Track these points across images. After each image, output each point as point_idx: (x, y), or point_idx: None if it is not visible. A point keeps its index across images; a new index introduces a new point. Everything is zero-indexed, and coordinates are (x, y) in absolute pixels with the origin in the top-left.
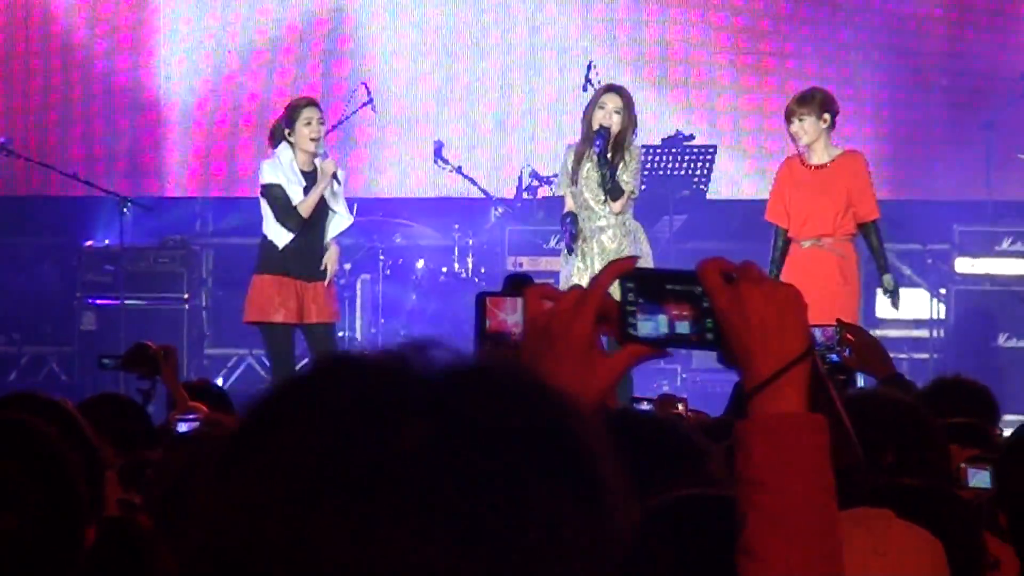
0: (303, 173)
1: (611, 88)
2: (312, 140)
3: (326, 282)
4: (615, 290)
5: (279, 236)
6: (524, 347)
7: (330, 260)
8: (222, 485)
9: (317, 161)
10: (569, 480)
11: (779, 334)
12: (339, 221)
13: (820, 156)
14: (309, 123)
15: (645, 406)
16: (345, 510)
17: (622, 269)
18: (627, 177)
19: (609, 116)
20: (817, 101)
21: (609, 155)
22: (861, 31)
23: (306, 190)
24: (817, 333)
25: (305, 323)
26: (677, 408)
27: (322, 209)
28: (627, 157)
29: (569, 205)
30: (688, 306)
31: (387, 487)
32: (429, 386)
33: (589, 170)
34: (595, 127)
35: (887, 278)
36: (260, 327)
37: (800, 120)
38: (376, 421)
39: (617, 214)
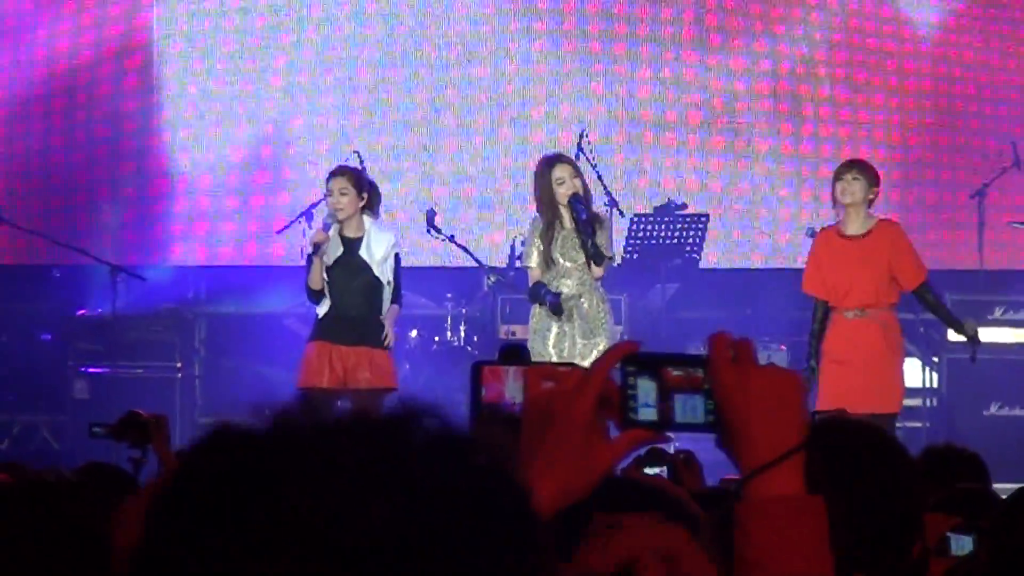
0: (344, 239)
1: (556, 160)
2: (337, 210)
3: (384, 345)
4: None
5: (317, 307)
6: (524, 428)
7: (388, 327)
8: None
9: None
10: (514, 552)
11: (779, 419)
12: (390, 290)
13: (858, 226)
14: (331, 194)
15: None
16: None
17: (625, 351)
18: (603, 241)
19: (571, 185)
20: (871, 170)
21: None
22: (842, 108)
23: (341, 255)
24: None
25: (352, 388)
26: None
27: (354, 275)
28: (601, 222)
29: (535, 276)
30: (688, 390)
31: (355, 562)
32: (395, 457)
33: (564, 239)
34: (563, 202)
35: (969, 324)
36: (302, 393)
37: (854, 180)
38: (345, 494)
39: (597, 279)
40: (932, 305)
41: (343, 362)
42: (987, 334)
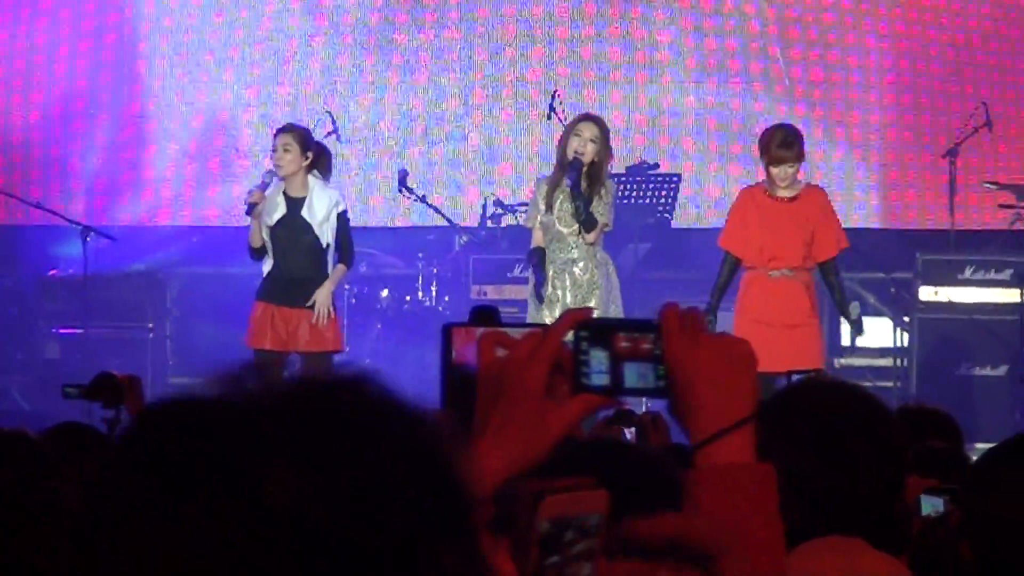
0: (288, 199)
1: (588, 117)
2: (278, 167)
3: (314, 316)
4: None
5: (263, 266)
6: (478, 394)
7: (319, 293)
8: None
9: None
10: (432, 502)
11: (728, 388)
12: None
13: (787, 189)
14: (275, 151)
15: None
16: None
17: (578, 319)
18: (601, 209)
19: (584, 144)
20: (799, 146)
21: (583, 186)
22: (814, 66)
23: (284, 215)
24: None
25: (294, 351)
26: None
27: (295, 235)
28: (603, 191)
29: (537, 239)
30: (640, 355)
31: (259, 549)
32: (279, 420)
33: (562, 201)
34: (570, 155)
35: (854, 306)
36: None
37: (790, 167)
38: (239, 478)
39: (590, 245)
40: (832, 282)
41: (286, 324)
42: (958, 294)
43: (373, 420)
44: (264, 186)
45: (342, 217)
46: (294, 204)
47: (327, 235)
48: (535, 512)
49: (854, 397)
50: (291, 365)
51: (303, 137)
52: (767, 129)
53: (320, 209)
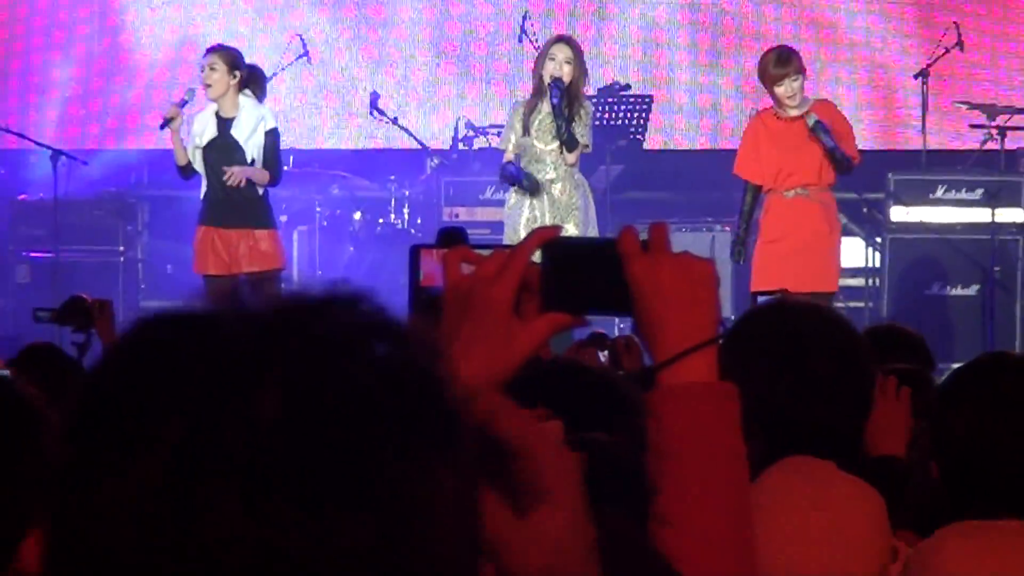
0: (220, 119)
1: (560, 39)
2: (207, 87)
3: (231, 178)
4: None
5: (200, 189)
6: (445, 312)
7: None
8: (69, 480)
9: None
10: (424, 425)
11: (690, 308)
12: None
13: (796, 108)
14: (203, 70)
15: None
16: (220, 494)
17: (545, 237)
18: (581, 130)
19: (560, 67)
20: (797, 59)
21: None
22: None
23: (215, 137)
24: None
25: (242, 272)
26: (597, 356)
27: (226, 155)
28: (581, 111)
29: (508, 159)
30: (608, 273)
31: (246, 469)
32: (269, 339)
33: (541, 121)
34: (546, 79)
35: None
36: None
37: (793, 81)
38: (226, 399)
39: (569, 166)
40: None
41: (227, 247)
42: (929, 213)
43: (367, 338)
44: (183, 103)
45: (271, 135)
46: (224, 124)
47: (252, 152)
48: None
49: (820, 319)
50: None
51: (232, 56)
52: (761, 56)
53: (248, 126)
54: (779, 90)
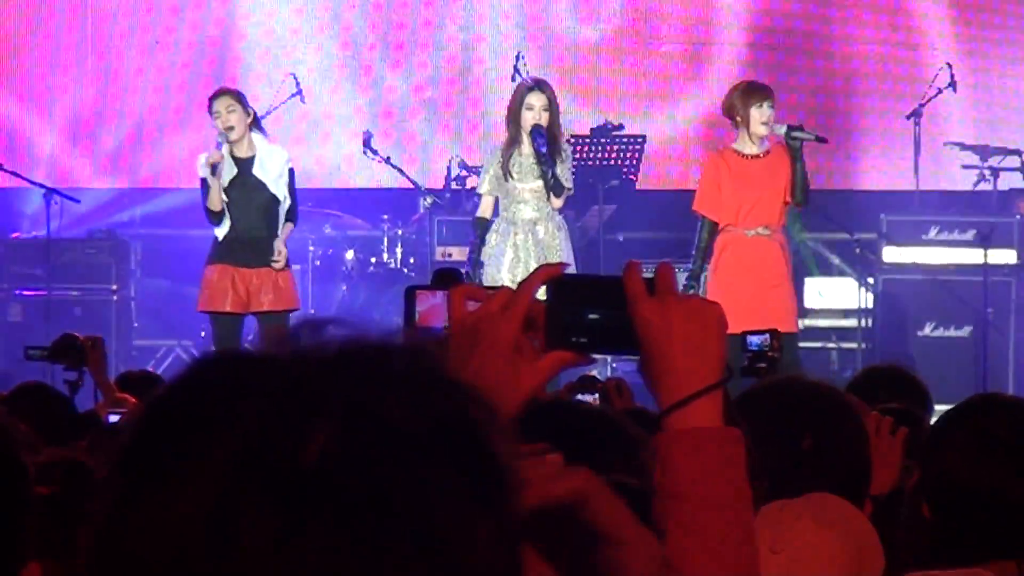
0: (237, 160)
1: (535, 86)
2: (227, 130)
3: (277, 267)
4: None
5: (216, 229)
6: (451, 348)
7: (279, 244)
8: (121, 500)
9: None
10: (472, 477)
11: (699, 352)
12: (286, 207)
13: (755, 146)
14: (218, 116)
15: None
16: (261, 523)
17: (551, 274)
18: (564, 174)
19: (539, 115)
20: (768, 87)
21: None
22: (789, 19)
23: (236, 176)
24: (754, 340)
25: (256, 312)
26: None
27: (249, 194)
28: (562, 154)
29: (485, 208)
30: (613, 312)
31: (300, 497)
32: (329, 377)
33: (522, 164)
34: (526, 128)
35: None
36: (209, 316)
37: (770, 106)
38: (280, 428)
39: (555, 209)
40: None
41: (246, 285)
42: (922, 254)
43: (424, 387)
44: (220, 146)
45: (292, 173)
46: (244, 164)
47: (282, 190)
48: None
49: (815, 395)
50: (248, 328)
51: (242, 97)
52: (732, 87)
53: (273, 167)
54: (755, 112)
